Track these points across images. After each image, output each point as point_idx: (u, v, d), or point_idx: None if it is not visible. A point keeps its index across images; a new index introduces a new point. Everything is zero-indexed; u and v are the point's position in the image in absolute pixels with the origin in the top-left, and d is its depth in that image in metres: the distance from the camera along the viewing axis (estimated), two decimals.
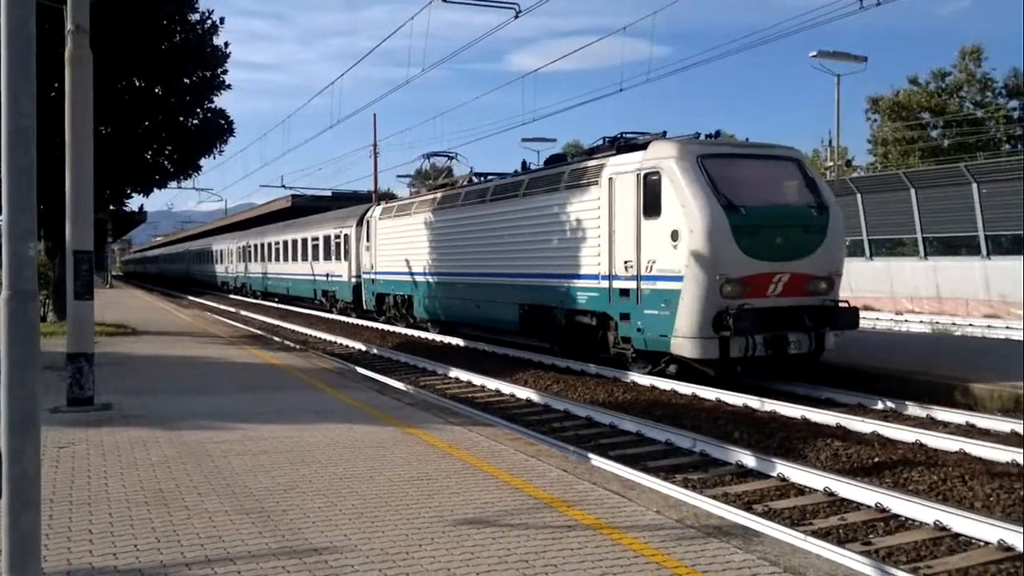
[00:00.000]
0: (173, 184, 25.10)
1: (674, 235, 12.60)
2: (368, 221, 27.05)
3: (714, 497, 7.25)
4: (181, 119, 20.90)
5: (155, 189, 23.44)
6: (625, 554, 4.78)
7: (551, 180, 16.49)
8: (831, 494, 7.41)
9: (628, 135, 15.29)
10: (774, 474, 8.07)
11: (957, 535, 6.32)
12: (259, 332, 24.44)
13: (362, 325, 27.07)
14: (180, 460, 7.08)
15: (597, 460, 8.36)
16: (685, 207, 12.52)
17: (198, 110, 21.24)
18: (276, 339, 22.04)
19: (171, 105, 20.14)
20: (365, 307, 27.73)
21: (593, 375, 14.87)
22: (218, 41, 20.56)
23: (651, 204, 13.11)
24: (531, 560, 4.67)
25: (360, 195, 45.46)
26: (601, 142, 16.07)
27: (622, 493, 6.16)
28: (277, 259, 40.89)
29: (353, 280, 29.33)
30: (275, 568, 4.52)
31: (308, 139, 39.88)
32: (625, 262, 13.68)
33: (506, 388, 13.56)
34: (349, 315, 29.97)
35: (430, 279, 21.94)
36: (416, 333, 23.36)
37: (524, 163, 19.64)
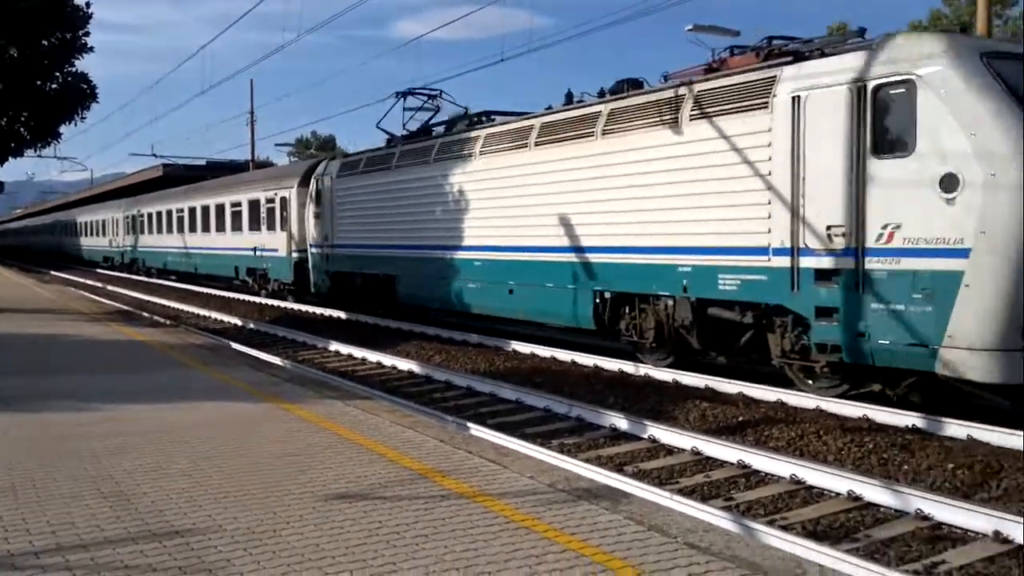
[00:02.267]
0: (31, 152, 23.53)
1: (948, 182, 8.15)
2: (319, 180, 21.36)
3: (587, 460, 7.43)
4: (38, 83, 19.57)
5: (10, 157, 21.94)
6: (496, 520, 4.83)
7: (658, 109, 11.41)
8: (698, 453, 7.71)
9: (777, 39, 10.77)
10: (645, 436, 8.33)
11: (811, 487, 6.70)
12: (127, 308, 23.36)
13: (239, 299, 26.24)
14: (34, 444, 6.69)
15: (476, 429, 8.42)
16: (975, 136, 8.02)
17: (57, 74, 19.93)
18: (145, 315, 21.12)
19: (27, 68, 18.81)
20: (313, 289, 22.15)
21: (475, 344, 14.93)
22: (78, 0, 19.30)
23: (893, 134, 8.72)
24: (402, 532, 4.65)
25: (237, 164, 43.80)
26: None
27: (497, 461, 6.21)
28: (181, 230, 34.28)
29: (295, 255, 23.47)
30: (132, 553, 4.34)
31: (178, 106, 37.97)
32: (828, 228, 9.10)
33: (388, 360, 13.46)
34: (286, 299, 24.37)
35: (426, 255, 16.60)
36: (296, 306, 22.81)
37: (569, 94, 13.98)
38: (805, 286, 9.39)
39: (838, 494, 6.49)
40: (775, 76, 9.83)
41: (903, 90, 8.59)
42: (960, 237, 8.03)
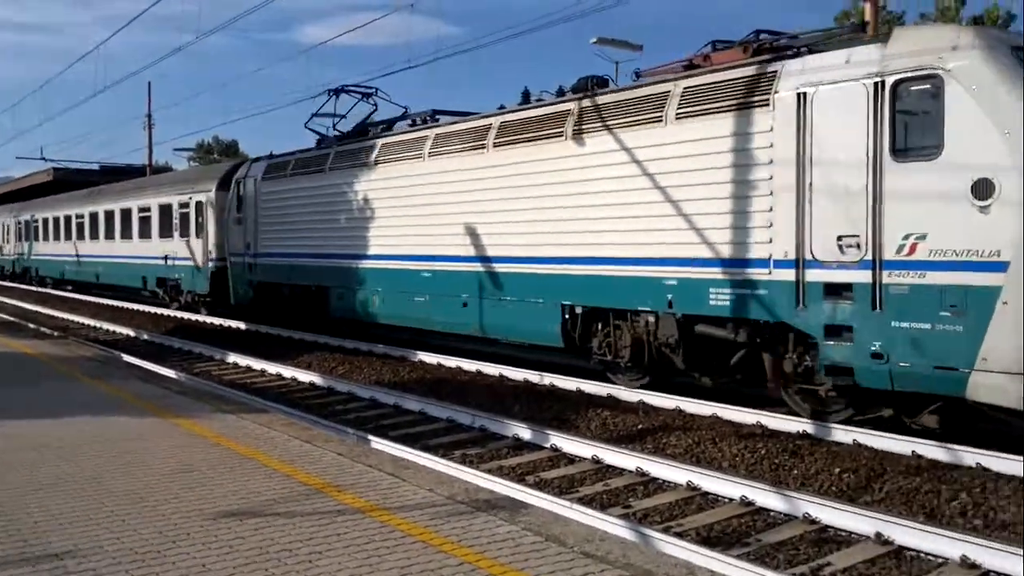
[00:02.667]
0: None
1: (981, 188, 7.35)
2: (242, 184, 19.69)
3: (489, 471, 7.42)
4: None
5: None
6: (392, 535, 4.77)
7: (640, 107, 10.41)
8: (598, 462, 7.80)
9: (764, 32, 10.04)
10: (548, 445, 8.38)
11: (707, 493, 6.86)
12: (12, 319, 22.19)
13: (135, 310, 25.24)
14: None
15: (376, 442, 8.30)
16: (1012, 136, 7.25)
17: None
18: (31, 326, 20.10)
19: None
20: (234, 301, 20.40)
21: (381, 355, 14.75)
22: None
23: (916, 134, 7.90)
24: (295, 549, 4.54)
25: (134, 168, 42.18)
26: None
27: (396, 474, 6.14)
28: (81, 237, 31.80)
29: (212, 265, 21.59)
30: None
31: (70, 107, 36.34)
32: (840, 238, 8.28)
33: (288, 372, 13.16)
34: (199, 311, 22.53)
35: (366, 265, 15.27)
36: (196, 317, 22.09)
37: (526, 92, 13.21)
38: (812, 302, 8.50)
39: (731, 500, 6.66)
40: (776, 71, 8.95)
41: (928, 86, 7.73)
42: (996, 249, 7.23)
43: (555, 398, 10.92)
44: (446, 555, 4.45)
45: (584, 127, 11.14)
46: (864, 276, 8.11)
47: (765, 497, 6.49)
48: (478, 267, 12.73)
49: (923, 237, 7.71)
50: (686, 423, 9.28)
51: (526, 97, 13.07)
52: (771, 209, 8.85)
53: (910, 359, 7.80)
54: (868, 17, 14.12)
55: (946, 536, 5.52)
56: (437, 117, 14.87)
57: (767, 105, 8.90)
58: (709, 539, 5.88)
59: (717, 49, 10.29)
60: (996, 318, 7.21)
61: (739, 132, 9.20)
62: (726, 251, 9.37)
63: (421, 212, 13.92)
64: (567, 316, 11.50)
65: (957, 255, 7.50)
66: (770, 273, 8.89)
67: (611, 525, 5.74)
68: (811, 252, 8.50)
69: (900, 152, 7.91)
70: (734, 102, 9.29)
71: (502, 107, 13.14)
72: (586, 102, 11.30)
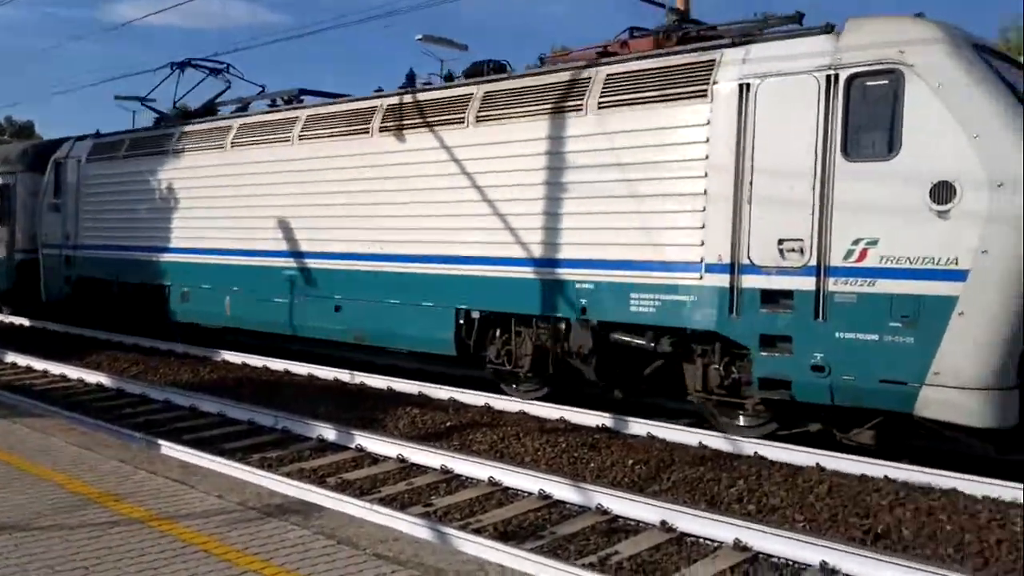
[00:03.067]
0: None
1: (941, 192, 6.98)
2: (61, 165, 17.38)
3: (288, 474, 7.19)
4: None
5: None
6: (172, 545, 4.50)
7: (555, 94, 9.56)
8: (403, 460, 7.74)
9: (687, 23, 9.81)
10: (353, 446, 8.23)
11: (507, 488, 6.97)
12: None
13: None
14: None
15: (166, 446, 7.83)
16: (979, 138, 6.88)
17: None
18: None
19: None
20: (46, 297, 17.88)
21: (180, 355, 13.97)
22: None
23: (871, 132, 7.46)
24: (59, 565, 4.18)
25: None
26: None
27: (184, 480, 5.83)
28: None
29: (18, 256, 18.84)
30: None
31: None
32: (782, 242, 7.75)
33: (74, 373, 12.19)
34: (0, 311, 19.86)
35: (214, 261, 13.53)
36: None
37: (411, 74, 11.99)
38: (748, 310, 7.93)
39: (530, 494, 6.80)
40: (714, 60, 8.35)
41: (886, 81, 7.30)
42: (954, 257, 6.88)
43: (365, 396, 10.77)
44: (229, 564, 4.26)
45: (489, 114, 10.11)
46: (807, 283, 7.59)
47: (561, 490, 6.68)
48: (357, 266, 11.44)
49: (874, 243, 7.27)
50: (494, 419, 9.40)
51: (411, 80, 11.86)
52: (704, 208, 8.22)
53: (854, 372, 7.35)
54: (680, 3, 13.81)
55: (722, 522, 5.90)
56: (303, 98, 13.39)
57: (704, 96, 8.27)
58: (506, 534, 5.97)
59: (635, 36, 9.66)
60: (951, 330, 6.87)
61: (671, 125, 8.51)
62: (652, 253, 8.62)
63: (288, 202, 12.35)
64: (462, 321, 10.42)
65: (911, 263, 7.09)
66: (701, 278, 8.24)
67: (408, 524, 5.71)
68: (748, 256, 7.92)
69: (853, 151, 7.44)
70: (666, 92, 8.59)
71: (379, 89, 11.99)
72: (493, 86, 10.24)
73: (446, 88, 11.03)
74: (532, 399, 9.97)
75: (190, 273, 14.09)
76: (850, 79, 7.48)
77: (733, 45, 8.39)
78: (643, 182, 8.70)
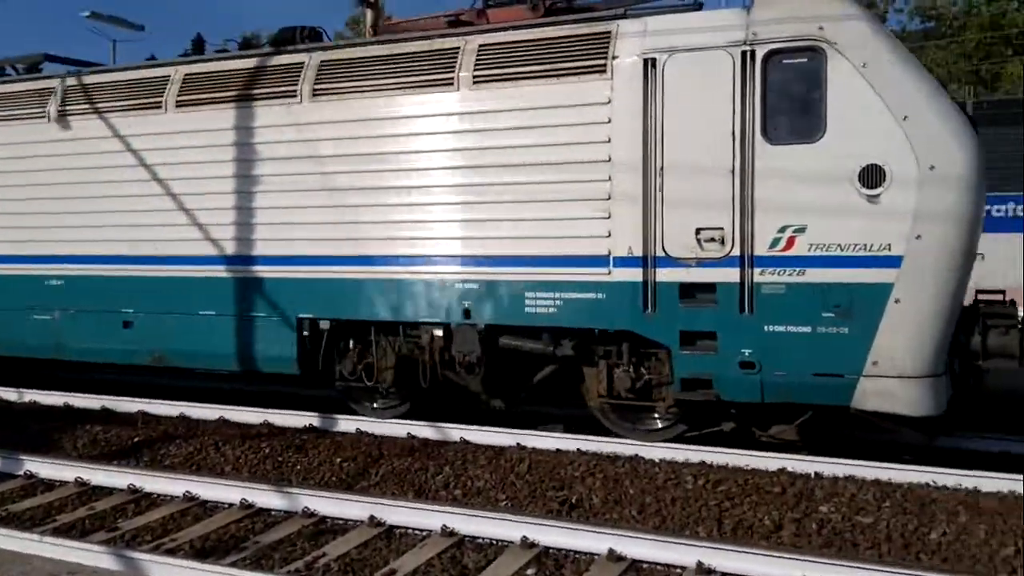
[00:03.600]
0: None
1: (871, 176, 6.79)
2: None
3: None
4: None
5: None
6: None
7: (408, 65, 8.42)
8: (83, 484, 6.99)
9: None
10: (21, 472, 7.29)
11: (205, 502, 6.54)
12: None
13: None
14: None
15: None
16: (909, 120, 6.72)
17: None
18: None
19: None
20: None
21: None
22: None
23: (793, 114, 7.10)
24: None
25: None
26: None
27: None
28: None
29: None
30: None
31: None
32: (700, 231, 7.29)
33: None
34: None
35: None
36: None
37: (245, 40, 10.61)
38: (665, 306, 7.40)
39: (231, 505, 6.43)
40: (608, 32, 7.63)
41: (806, 59, 6.99)
42: (886, 242, 6.75)
43: (37, 416, 9.59)
44: None
45: (329, 86, 8.69)
46: (730, 275, 7.18)
47: (264, 497, 6.38)
48: (154, 271, 9.50)
49: (802, 230, 6.97)
50: (190, 430, 8.80)
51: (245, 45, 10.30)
52: (609, 197, 7.52)
53: (786, 367, 7.05)
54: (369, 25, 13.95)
55: (429, 510, 5.97)
56: (41, 67, 11.07)
57: (603, 71, 7.56)
58: (204, 550, 5.58)
59: (490, 5, 8.72)
60: (888, 318, 6.75)
61: (563, 103, 7.71)
62: (551, 247, 7.79)
63: (53, 194, 10.01)
64: (306, 333, 8.88)
65: (842, 250, 6.87)
66: (609, 273, 7.58)
67: (89, 554, 5.15)
68: (663, 248, 7.39)
69: (774, 134, 7.06)
70: (557, 67, 7.77)
71: (185, 53, 10.10)
72: (331, 55, 8.87)
73: (258, 55, 9.33)
74: (392, 417, 8.96)
75: None
76: (767, 56, 7.07)
77: (626, 16, 7.73)
78: (534, 168, 7.81)
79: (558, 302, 7.80)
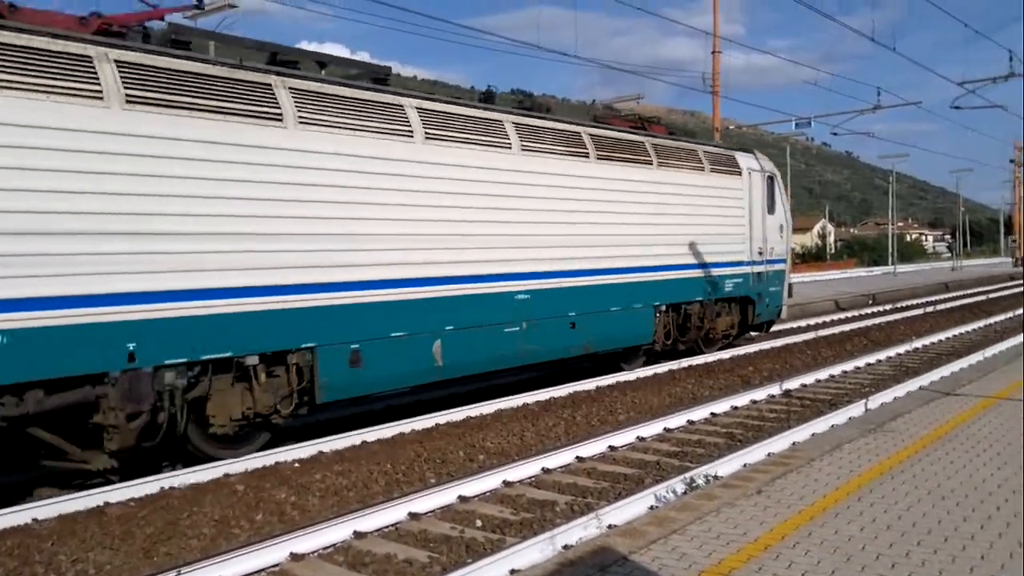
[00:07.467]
0: None
1: (782, 228, 17.60)
2: None
3: None
4: None
5: None
6: None
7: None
8: None
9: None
10: None
11: None
12: None
13: None
14: None
15: None
16: (785, 205, 18.16)
17: None
18: None
19: None
20: None
21: None
22: None
23: (770, 201, 17.11)
24: None
25: None
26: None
27: None
28: None
29: None
30: None
31: None
32: (759, 250, 16.98)
33: None
34: None
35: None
36: None
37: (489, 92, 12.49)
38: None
39: None
40: (735, 158, 17.51)
41: (772, 180, 18.84)
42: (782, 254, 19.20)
43: None
44: None
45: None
46: (755, 268, 17.74)
47: None
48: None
49: (771, 248, 18.62)
50: None
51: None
52: (749, 226, 17.43)
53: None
54: None
55: None
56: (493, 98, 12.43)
57: (740, 175, 17.21)
58: None
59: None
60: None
61: (722, 186, 16.17)
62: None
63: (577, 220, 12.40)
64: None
65: (773, 255, 18.32)
66: None
67: None
68: (758, 252, 18.04)
69: (768, 209, 18.69)
70: (721, 168, 16.46)
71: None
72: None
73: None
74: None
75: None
76: (770, 178, 19.05)
77: (743, 151, 17.52)
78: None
79: None
